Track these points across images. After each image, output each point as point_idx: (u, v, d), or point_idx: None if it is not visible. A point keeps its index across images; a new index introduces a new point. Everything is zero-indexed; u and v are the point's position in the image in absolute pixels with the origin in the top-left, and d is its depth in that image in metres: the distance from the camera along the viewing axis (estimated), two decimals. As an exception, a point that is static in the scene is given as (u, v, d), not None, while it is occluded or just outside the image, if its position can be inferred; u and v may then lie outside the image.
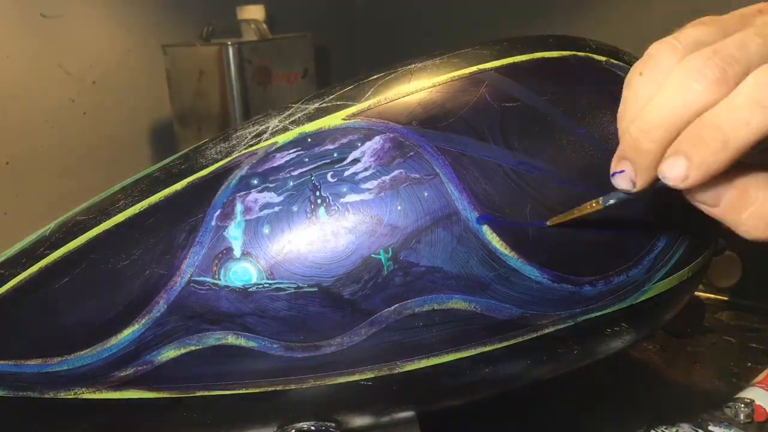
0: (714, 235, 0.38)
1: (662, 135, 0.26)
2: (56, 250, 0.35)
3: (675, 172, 0.25)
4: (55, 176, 1.12)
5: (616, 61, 0.37)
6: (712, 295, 0.67)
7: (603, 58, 0.37)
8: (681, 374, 0.55)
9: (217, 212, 0.33)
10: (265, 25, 1.11)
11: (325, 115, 0.35)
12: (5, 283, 0.35)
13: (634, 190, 0.27)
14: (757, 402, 0.48)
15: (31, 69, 1.07)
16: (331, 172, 0.33)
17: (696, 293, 0.64)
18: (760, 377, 0.50)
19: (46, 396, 0.34)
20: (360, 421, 0.37)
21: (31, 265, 0.35)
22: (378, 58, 1.27)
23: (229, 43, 1.05)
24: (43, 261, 0.35)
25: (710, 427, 0.47)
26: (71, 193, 1.11)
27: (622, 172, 0.27)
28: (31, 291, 0.35)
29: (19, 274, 0.35)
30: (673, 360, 0.58)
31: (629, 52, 0.39)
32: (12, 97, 1.05)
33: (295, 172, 0.33)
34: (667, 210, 0.35)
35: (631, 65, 0.37)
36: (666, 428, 0.48)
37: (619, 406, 0.50)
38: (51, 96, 1.10)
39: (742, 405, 0.48)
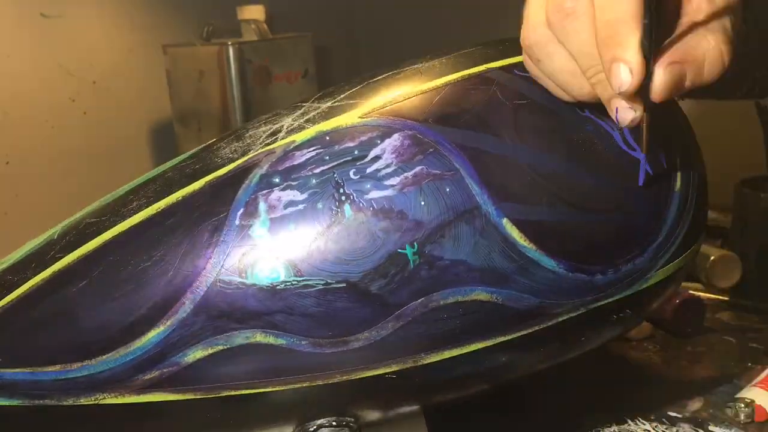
0: (704, 226, 0.43)
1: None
2: (69, 253, 0.36)
3: None
4: (55, 176, 1.13)
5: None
6: (712, 295, 0.70)
7: None
8: (681, 374, 0.58)
9: (240, 210, 0.35)
10: (265, 25, 1.14)
11: (340, 114, 0.37)
12: (16, 289, 0.37)
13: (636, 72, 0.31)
14: (757, 402, 0.50)
15: (31, 69, 1.08)
16: (354, 169, 0.35)
17: (696, 293, 0.67)
18: (760, 377, 0.52)
19: (65, 403, 0.35)
20: (377, 414, 0.40)
21: (43, 270, 0.36)
22: (378, 58, 1.30)
23: (230, 43, 1.08)
24: (56, 265, 0.36)
25: (710, 427, 0.50)
26: (71, 193, 1.13)
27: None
28: (46, 296, 0.36)
29: (30, 279, 0.36)
30: (673, 360, 0.60)
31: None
32: (12, 97, 1.06)
33: (317, 170, 0.35)
34: (667, 200, 0.39)
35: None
36: (666, 428, 0.50)
37: (619, 406, 0.52)
38: (51, 96, 1.11)
39: (742, 405, 0.50)
